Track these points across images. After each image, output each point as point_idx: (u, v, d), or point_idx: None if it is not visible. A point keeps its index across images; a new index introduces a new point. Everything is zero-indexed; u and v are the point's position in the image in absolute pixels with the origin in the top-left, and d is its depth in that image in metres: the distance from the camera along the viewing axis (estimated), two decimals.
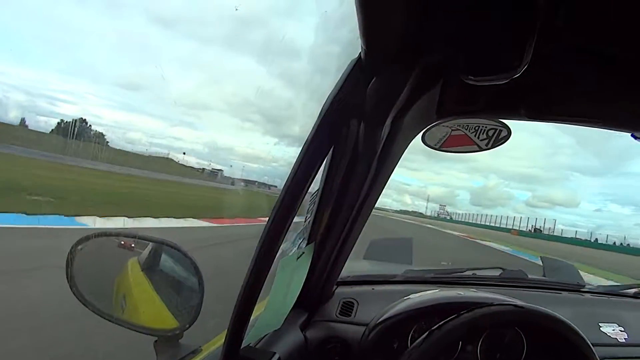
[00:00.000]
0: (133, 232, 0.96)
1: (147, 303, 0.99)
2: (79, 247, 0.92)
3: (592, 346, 0.90)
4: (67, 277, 0.91)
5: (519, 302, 0.97)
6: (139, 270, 1.03)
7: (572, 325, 0.90)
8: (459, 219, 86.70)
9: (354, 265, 1.52)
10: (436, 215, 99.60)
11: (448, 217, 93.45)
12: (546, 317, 0.91)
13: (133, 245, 1.01)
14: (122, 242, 1.02)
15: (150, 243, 1.01)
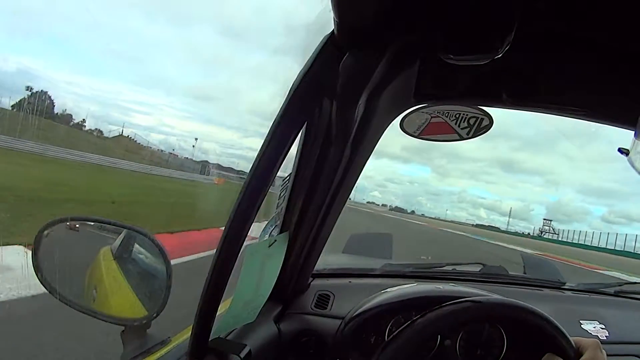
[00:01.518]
0: (103, 218, 0.93)
1: (118, 292, 0.96)
2: (45, 232, 0.89)
3: (570, 338, 0.87)
4: (32, 263, 0.88)
5: (497, 296, 0.95)
6: (111, 259, 1.00)
7: (549, 317, 0.88)
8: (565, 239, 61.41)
9: (333, 258, 1.50)
10: (538, 233, 73.04)
11: (555, 236, 67.15)
12: (524, 309, 0.88)
13: (104, 232, 0.98)
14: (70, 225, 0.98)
15: (123, 230, 0.98)
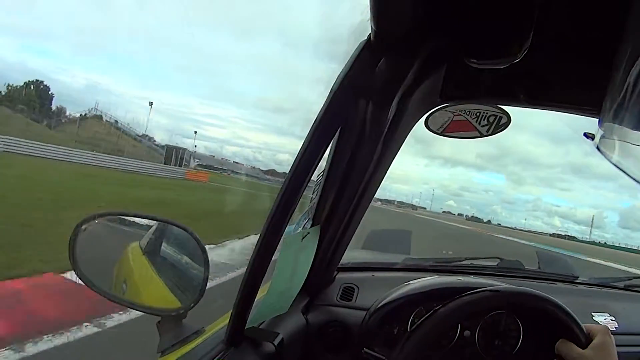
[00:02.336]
0: (138, 212, 0.96)
1: (148, 285, 0.99)
2: (83, 226, 0.91)
3: (582, 324, 0.92)
4: (69, 258, 0.90)
5: (516, 287, 1.00)
6: (141, 255, 1.03)
7: (562, 304, 0.93)
8: None
9: (353, 254, 1.53)
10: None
11: None
12: (539, 298, 0.94)
13: (135, 228, 1.01)
14: (126, 222, 1.02)
15: (155, 224, 1.01)
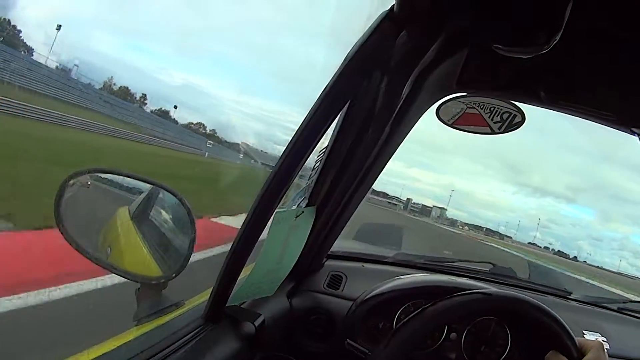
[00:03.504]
0: (130, 172, 0.92)
1: (133, 251, 0.95)
2: (71, 181, 0.88)
3: (575, 337, 0.89)
4: (54, 212, 0.87)
5: (510, 292, 0.97)
6: (129, 219, 1.00)
7: (556, 315, 0.90)
8: None
9: (344, 243, 1.51)
10: None
11: None
12: (533, 306, 0.90)
13: (124, 191, 0.98)
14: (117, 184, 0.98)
15: (146, 189, 0.98)
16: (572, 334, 0.88)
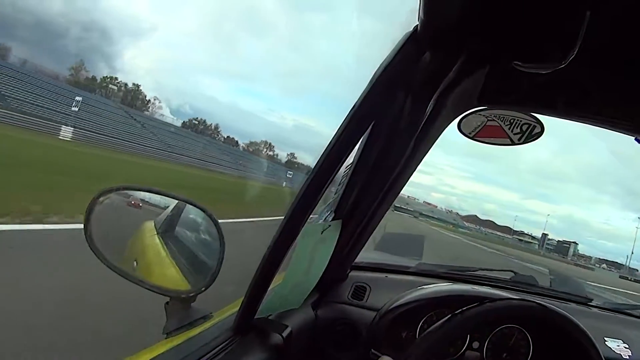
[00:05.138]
0: (158, 189, 0.95)
1: (160, 265, 0.97)
2: (100, 199, 0.90)
3: (594, 342, 0.90)
4: (84, 228, 0.89)
5: (535, 300, 0.97)
6: (154, 234, 1.01)
7: (583, 327, 0.90)
8: None
9: (367, 254, 1.51)
10: None
11: None
12: (561, 316, 0.91)
13: (140, 204, 1.00)
14: (130, 200, 1.00)
15: (174, 203, 1.00)
16: (597, 345, 0.88)
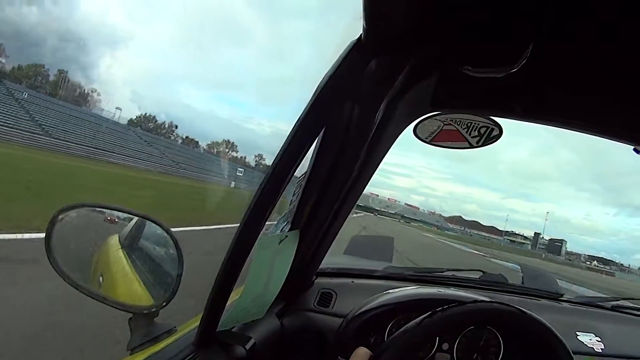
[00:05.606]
0: (117, 205, 0.94)
1: (124, 280, 0.97)
2: (60, 216, 0.90)
3: (565, 344, 0.90)
4: (45, 246, 0.89)
5: (500, 302, 0.97)
6: (119, 247, 1.01)
7: (552, 328, 0.90)
8: None
9: (335, 259, 1.51)
10: None
11: None
12: (528, 318, 0.91)
13: (116, 219, 0.99)
14: (106, 216, 1.00)
15: (134, 218, 0.99)
16: (568, 348, 0.89)
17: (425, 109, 0.81)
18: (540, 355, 0.92)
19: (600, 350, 1.19)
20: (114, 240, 1.02)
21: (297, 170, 0.73)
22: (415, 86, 0.75)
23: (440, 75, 0.74)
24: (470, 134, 0.89)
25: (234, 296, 0.80)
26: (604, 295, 1.54)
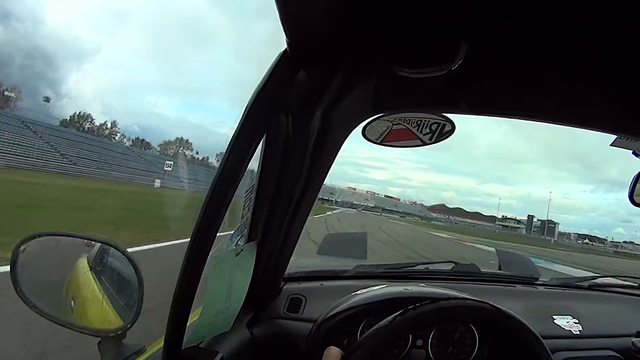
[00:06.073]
0: (75, 232, 0.95)
1: (94, 302, 0.98)
2: (21, 247, 0.91)
3: (540, 338, 0.89)
4: (11, 279, 0.90)
5: (460, 296, 0.97)
6: (87, 270, 1.02)
7: (519, 318, 0.90)
8: None
9: (307, 261, 1.50)
10: None
11: None
12: (502, 314, 0.90)
13: (79, 246, 1.00)
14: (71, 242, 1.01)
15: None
16: (538, 336, 0.88)
17: (368, 112, 0.80)
18: (516, 348, 0.92)
19: (579, 332, 1.18)
20: (83, 263, 1.03)
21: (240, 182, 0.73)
22: (352, 91, 0.73)
23: (377, 79, 0.73)
24: (421, 132, 0.87)
25: (198, 312, 0.81)
26: (580, 276, 1.52)
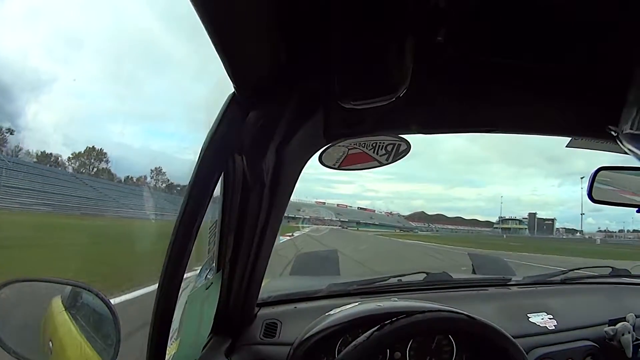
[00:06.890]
0: (50, 277, 0.95)
1: (72, 342, 0.98)
2: None
3: (515, 341, 0.93)
4: None
5: (435, 307, 1.00)
6: (62, 309, 1.03)
7: (494, 325, 0.92)
8: None
9: (280, 283, 1.50)
10: None
11: None
12: (478, 323, 0.92)
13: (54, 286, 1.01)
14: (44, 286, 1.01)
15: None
16: (511, 338, 0.91)
17: (321, 142, 0.83)
18: (492, 352, 0.95)
19: (554, 327, 1.21)
20: (57, 303, 1.04)
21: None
22: (303, 125, 0.76)
23: (325, 112, 0.75)
24: (377, 153, 0.90)
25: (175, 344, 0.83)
26: (551, 272, 1.56)
